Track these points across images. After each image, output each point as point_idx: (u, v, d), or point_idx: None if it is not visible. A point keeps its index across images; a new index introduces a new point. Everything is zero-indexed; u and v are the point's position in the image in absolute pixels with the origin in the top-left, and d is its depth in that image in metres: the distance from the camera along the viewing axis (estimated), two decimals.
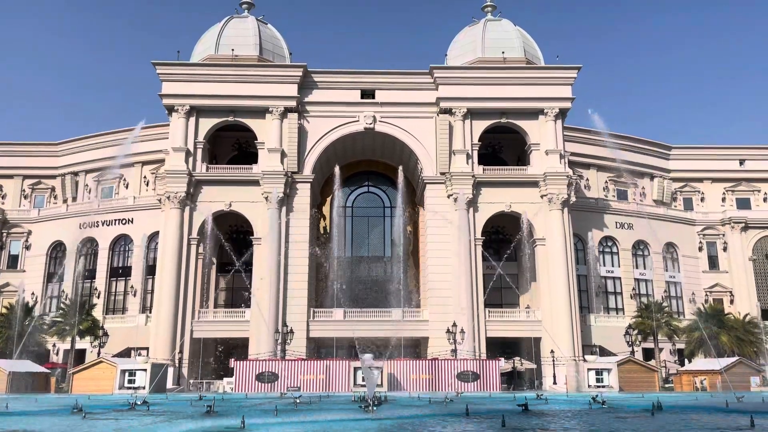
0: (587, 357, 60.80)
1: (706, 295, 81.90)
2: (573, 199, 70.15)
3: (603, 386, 54.11)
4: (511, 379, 63.39)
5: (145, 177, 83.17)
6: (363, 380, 50.38)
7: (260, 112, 70.05)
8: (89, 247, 77.34)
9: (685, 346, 70.02)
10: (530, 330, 65.51)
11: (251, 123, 70.30)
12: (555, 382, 60.92)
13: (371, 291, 71.07)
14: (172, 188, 66.96)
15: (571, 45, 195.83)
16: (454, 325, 61.64)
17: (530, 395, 41.26)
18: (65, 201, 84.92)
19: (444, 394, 43.63)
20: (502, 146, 77.55)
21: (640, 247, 79.83)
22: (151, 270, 71.63)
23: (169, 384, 58.29)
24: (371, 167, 78.82)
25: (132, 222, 75.02)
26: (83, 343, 67.53)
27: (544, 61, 75.74)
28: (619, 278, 77.94)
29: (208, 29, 76.89)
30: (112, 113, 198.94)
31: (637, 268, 78.89)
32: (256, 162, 69.93)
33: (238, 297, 70.40)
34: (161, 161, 74.05)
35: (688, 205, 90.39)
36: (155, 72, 69.88)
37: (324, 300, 68.72)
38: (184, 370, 62.91)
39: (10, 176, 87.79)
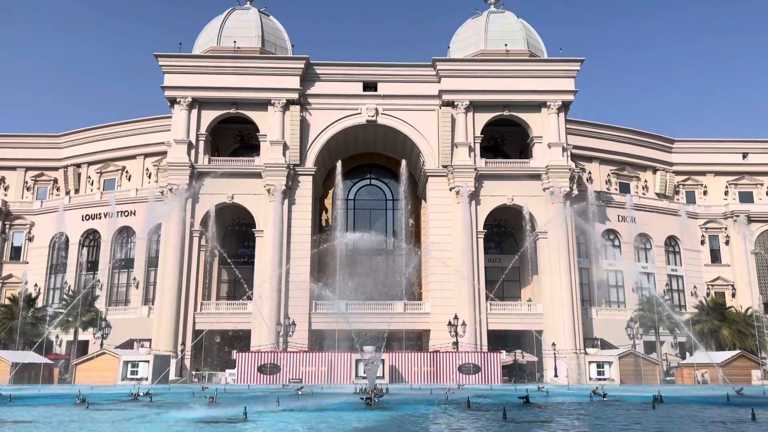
0: (589, 350, 60.95)
1: (708, 288, 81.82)
2: (575, 192, 70.05)
3: (604, 379, 54.31)
4: (513, 371, 63.62)
5: (147, 169, 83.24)
6: (364, 372, 50.63)
7: (262, 104, 70.02)
8: (92, 238, 77.55)
9: (686, 340, 70.09)
10: (532, 323, 65.60)
11: (253, 115, 70.27)
12: (556, 375, 61.03)
13: (373, 283, 71.15)
14: (174, 180, 67.05)
15: (574, 37, 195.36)
16: (456, 317, 61.81)
17: (531, 388, 41.34)
18: (68, 193, 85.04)
19: (445, 386, 43.77)
20: (505, 139, 77.44)
21: (642, 241, 79.76)
22: (153, 262, 71.81)
23: (172, 375, 58.56)
24: (373, 160, 78.83)
25: (134, 214, 75.12)
26: (86, 335, 67.77)
27: (547, 53, 75.52)
28: (621, 271, 77.86)
29: (211, 21, 76.80)
30: (114, 105, 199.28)
31: (639, 261, 78.79)
32: (258, 154, 69.94)
33: (240, 289, 70.51)
34: (163, 153, 74.08)
35: (691, 198, 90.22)
36: (157, 64, 69.88)
37: (326, 292, 68.84)
38: (187, 362, 63.19)
39: (13, 168, 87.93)
